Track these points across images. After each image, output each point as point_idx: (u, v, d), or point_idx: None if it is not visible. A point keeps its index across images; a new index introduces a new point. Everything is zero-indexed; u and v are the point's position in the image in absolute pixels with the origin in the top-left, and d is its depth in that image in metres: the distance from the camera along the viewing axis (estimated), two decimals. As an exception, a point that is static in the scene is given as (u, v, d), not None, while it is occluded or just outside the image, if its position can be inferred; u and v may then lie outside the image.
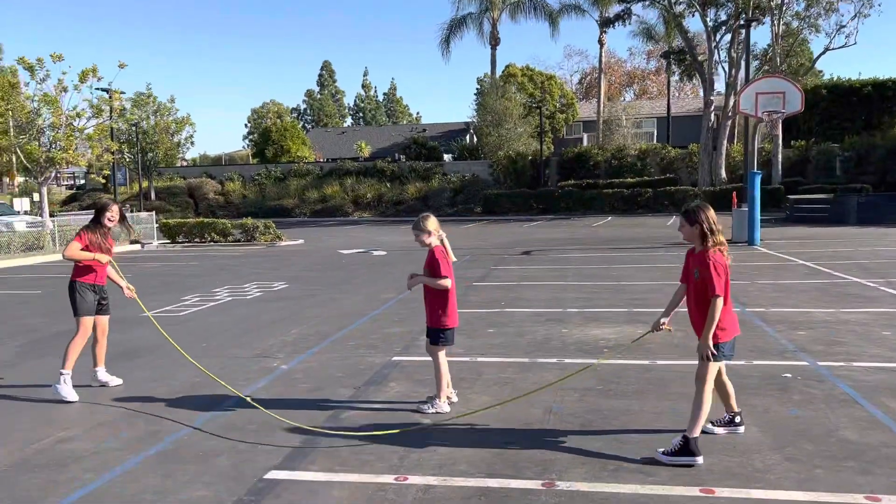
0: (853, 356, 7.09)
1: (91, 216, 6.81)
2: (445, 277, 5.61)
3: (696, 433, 4.54)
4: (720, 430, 5.05)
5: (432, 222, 5.79)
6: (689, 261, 4.95)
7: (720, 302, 4.58)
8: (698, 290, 4.75)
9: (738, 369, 6.67)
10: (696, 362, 4.71)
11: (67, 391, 6.32)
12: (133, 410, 6.03)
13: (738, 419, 5.06)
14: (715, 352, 4.61)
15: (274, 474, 4.58)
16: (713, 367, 4.65)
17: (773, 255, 16.64)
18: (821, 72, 59.45)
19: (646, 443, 4.92)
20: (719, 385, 4.94)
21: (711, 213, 4.73)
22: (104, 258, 6.56)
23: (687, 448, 4.50)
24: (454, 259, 5.83)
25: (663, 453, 4.55)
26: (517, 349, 7.86)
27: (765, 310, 9.65)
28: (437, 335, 5.72)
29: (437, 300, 5.71)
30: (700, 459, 4.49)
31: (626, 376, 6.60)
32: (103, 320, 6.77)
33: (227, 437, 5.28)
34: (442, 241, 5.76)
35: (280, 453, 4.94)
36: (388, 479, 4.45)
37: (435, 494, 4.21)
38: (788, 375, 6.49)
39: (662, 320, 5.11)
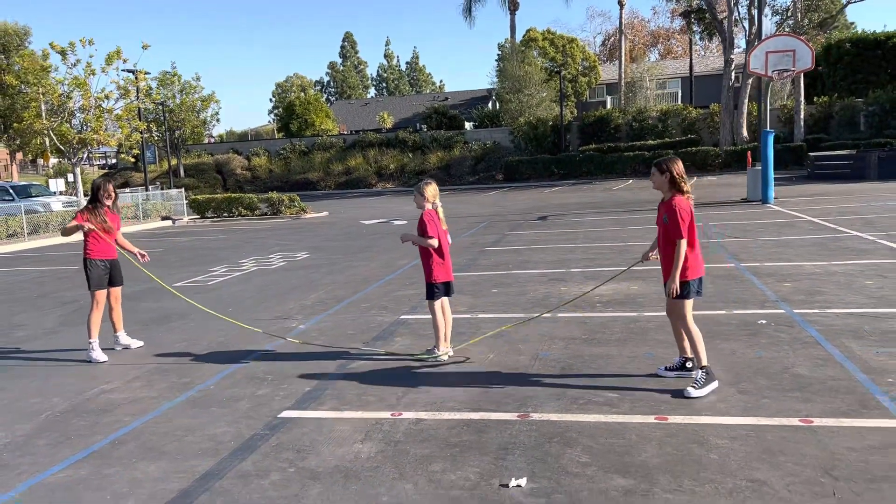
0: (829, 304, 7.56)
1: (109, 198, 7.45)
2: (432, 238, 6.19)
3: (705, 360, 5.19)
4: (670, 374, 5.58)
5: (431, 189, 6.38)
6: (660, 209, 5.43)
7: (684, 244, 5.15)
8: (667, 233, 5.29)
9: (718, 318, 7.21)
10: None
11: (97, 355, 7.14)
12: (166, 366, 6.77)
13: (689, 364, 5.53)
14: (679, 290, 5.19)
15: (287, 413, 5.26)
16: (687, 305, 5.26)
17: (783, 212, 16.92)
18: (853, 24, 58.15)
19: (615, 381, 5.51)
20: (677, 331, 5.50)
21: (680, 165, 5.31)
22: (88, 227, 7.19)
23: (709, 377, 5.17)
24: (445, 227, 6.39)
25: (693, 388, 5.09)
26: (516, 306, 8.45)
27: (759, 264, 10.10)
28: (431, 289, 6.34)
29: (427, 258, 6.31)
30: (716, 382, 5.21)
31: (611, 327, 7.17)
32: (116, 290, 7.48)
33: (247, 386, 5.97)
34: (435, 207, 6.34)
35: (293, 397, 5.62)
36: (386, 415, 5.11)
37: (424, 426, 4.85)
38: (763, 322, 7.00)
39: (648, 253, 5.75)
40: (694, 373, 5.29)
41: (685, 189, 5.26)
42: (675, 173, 5.23)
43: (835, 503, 3.54)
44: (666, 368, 5.65)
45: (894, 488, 3.65)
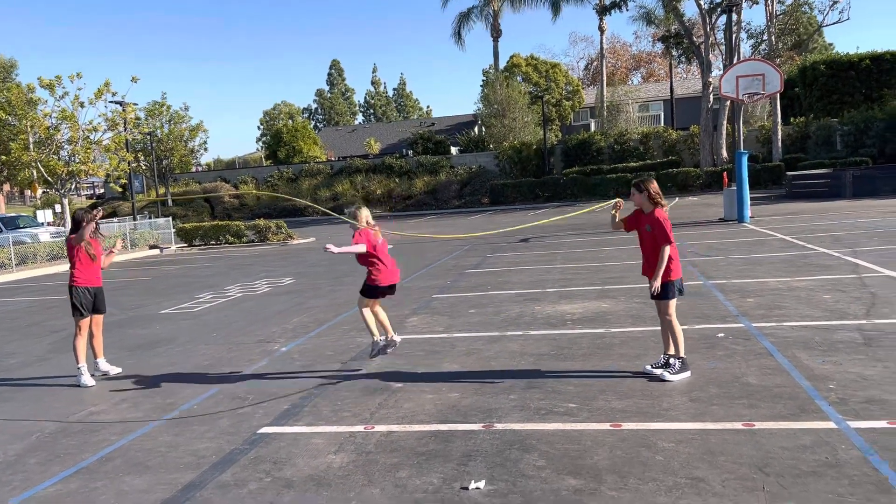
0: (786, 317, 7.94)
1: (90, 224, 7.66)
2: (359, 244, 6.85)
3: (683, 353, 6.09)
4: (656, 371, 6.11)
5: (363, 213, 7.14)
6: (640, 219, 6.27)
7: (668, 249, 5.98)
8: (650, 241, 6.10)
9: (680, 333, 7.55)
10: (644, 328, 5.79)
11: (86, 380, 7.44)
12: (152, 389, 7.05)
13: (671, 360, 6.12)
14: (664, 290, 5.98)
15: (266, 429, 5.56)
16: (671, 303, 6.07)
17: (757, 230, 17.38)
18: (831, 45, 59.34)
19: (577, 393, 5.84)
20: (665, 328, 6.17)
21: (655, 184, 6.25)
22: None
23: (684, 366, 6.07)
24: (380, 240, 7.05)
25: (669, 373, 5.97)
26: (491, 325, 8.79)
27: (726, 281, 10.49)
28: (365, 288, 7.02)
29: (363, 264, 7.04)
30: (689, 373, 6.04)
31: (579, 343, 7.52)
32: (98, 318, 7.78)
33: (229, 405, 6.27)
34: (369, 224, 7.02)
35: (272, 414, 5.92)
36: (359, 428, 5.42)
37: (394, 437, 5.17)
38: (721, 335, 7.36)
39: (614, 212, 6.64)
40: (672, 361, 6.04)
41: (662, 203, 6.12)
42: (651, 191, 6.10)
43: (764, 496, 3.88)
44: (651, 366, 6.23)
45: (818, 481, 4.00)
